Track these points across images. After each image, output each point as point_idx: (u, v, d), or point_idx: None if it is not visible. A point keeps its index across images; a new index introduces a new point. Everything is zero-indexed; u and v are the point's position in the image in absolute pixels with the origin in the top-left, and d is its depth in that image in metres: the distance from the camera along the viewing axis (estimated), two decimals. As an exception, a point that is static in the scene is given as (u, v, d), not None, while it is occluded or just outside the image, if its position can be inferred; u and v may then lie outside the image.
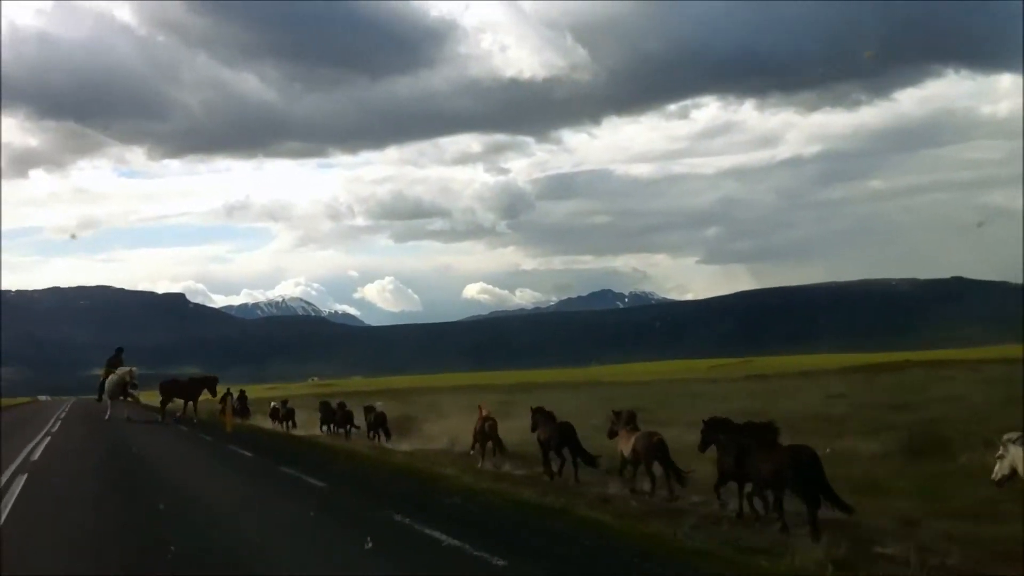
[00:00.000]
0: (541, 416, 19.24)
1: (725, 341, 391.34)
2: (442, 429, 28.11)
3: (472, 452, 21.61)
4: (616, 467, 16.97)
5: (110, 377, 39.88)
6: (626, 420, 16.85)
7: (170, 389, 41.44)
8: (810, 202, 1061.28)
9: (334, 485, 17.05)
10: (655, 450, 15.45)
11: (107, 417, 38.46)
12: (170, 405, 41.23)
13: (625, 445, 16.41)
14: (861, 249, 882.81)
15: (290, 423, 39.48)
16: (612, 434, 17.32)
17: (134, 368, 40.66)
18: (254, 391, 63.01)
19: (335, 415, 34.12)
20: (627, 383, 62.70)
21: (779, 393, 32.99)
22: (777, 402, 26.11)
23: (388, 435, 29.13)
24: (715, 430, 14.14)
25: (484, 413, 21.70)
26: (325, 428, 34.66)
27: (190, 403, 41.04)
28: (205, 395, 41.96)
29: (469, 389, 63.04)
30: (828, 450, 14.46)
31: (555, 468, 18.27)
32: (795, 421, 18.71)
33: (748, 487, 13.34)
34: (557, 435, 18.33)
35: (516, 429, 21.95)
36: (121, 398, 39.72)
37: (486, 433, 21.23)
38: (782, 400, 29.23)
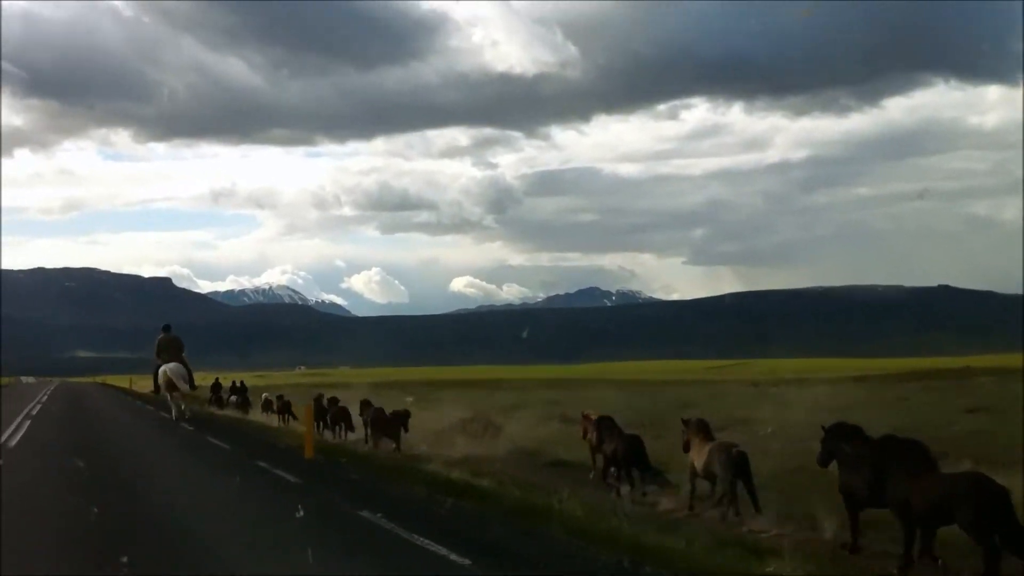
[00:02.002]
0: (605, 426, 16.39)
1: (714, 342, 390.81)
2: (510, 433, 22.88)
3: (594, 474, 17.17)
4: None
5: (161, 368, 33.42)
6: (697, 428, 14.20)
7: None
8: (796, 207, 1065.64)
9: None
10: (735, 465, 12.85)
11: (174, 416, 33.07)
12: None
13: (698, 457, 13.72)
14: (846, 255, 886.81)
15: (288, 416, 36.09)
16: (687, 446, 14.38)
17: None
18: (243, 379, 59.53)
19: (326, 412, 30.18)
20: (651, 383, 59.05)
21: (866, 403, 26.46)
22: (885, 415, 20.75)
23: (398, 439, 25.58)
24: (839, 440, 11.31)
25: (592, 417, 17.66)
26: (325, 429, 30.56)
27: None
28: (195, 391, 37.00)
29: (482, 384, 59.50)
30: None
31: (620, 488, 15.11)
32: (964, 446, 14.67)
33: None
34: (624, 449, 15.46)
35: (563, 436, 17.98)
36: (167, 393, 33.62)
37: (593, 445, 17.32)
38: (889, 412, 23.16)
